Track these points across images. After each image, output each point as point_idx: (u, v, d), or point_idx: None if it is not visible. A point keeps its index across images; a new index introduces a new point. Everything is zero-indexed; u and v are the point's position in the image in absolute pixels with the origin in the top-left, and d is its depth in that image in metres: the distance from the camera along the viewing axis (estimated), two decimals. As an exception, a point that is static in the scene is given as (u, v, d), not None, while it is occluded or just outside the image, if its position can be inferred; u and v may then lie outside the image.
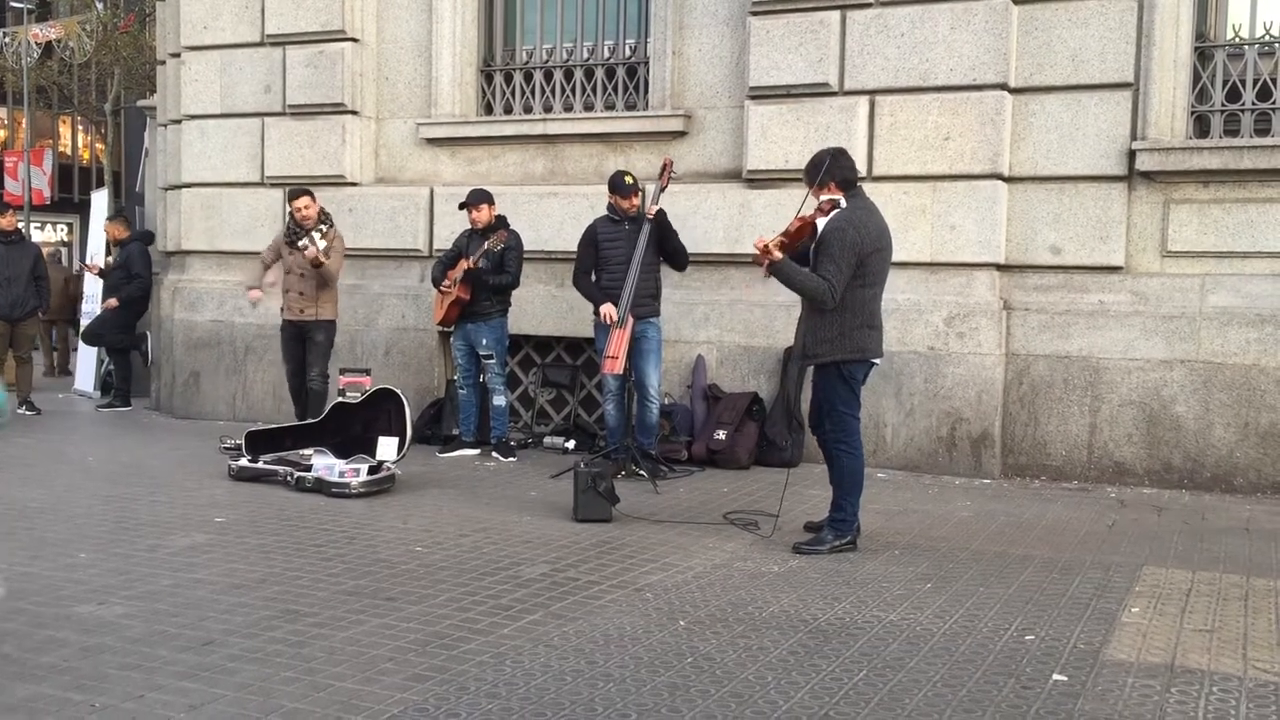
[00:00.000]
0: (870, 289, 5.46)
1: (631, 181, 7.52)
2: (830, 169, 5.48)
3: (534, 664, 3.91)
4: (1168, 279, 7.38)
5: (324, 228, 8.21)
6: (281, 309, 8.42)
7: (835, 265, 5.30)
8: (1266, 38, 7.30)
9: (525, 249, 8.26)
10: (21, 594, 4.64)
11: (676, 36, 8.58)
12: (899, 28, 7.71)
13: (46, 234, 32.44)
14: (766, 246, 5.33)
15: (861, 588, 4.92)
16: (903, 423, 7.74)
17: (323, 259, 8.04)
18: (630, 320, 7.32)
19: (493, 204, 8.12)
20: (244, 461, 7.27)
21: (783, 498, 6.11)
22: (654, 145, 8.58)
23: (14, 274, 10.47)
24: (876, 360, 5.62)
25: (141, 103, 14.32)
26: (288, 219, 8.39)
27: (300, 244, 8.07)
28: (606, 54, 9.07)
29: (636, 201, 7.52)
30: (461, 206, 8.15)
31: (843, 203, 5.43)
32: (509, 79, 9.41)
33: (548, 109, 9.21)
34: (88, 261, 12.58)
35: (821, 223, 5.41)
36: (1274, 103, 7.24)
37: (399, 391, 7.44)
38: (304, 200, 8.20)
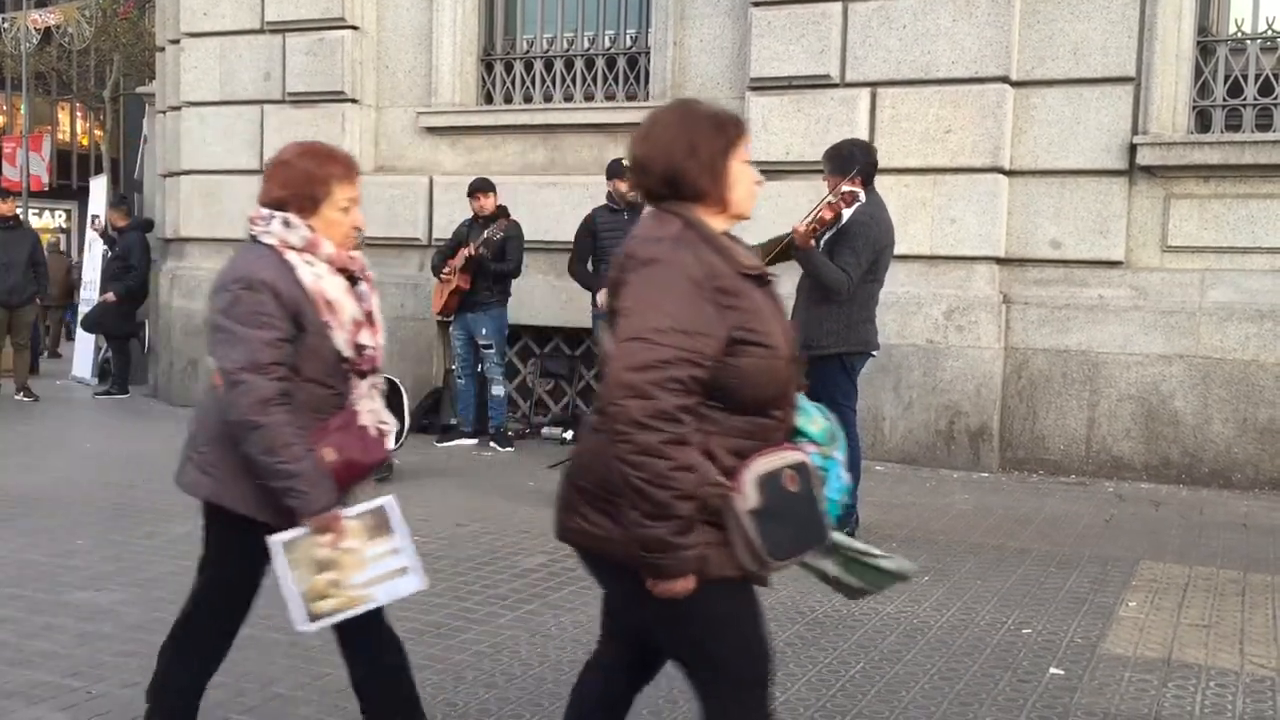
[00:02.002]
0: (876, 284, 5.55)
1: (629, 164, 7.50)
2: (860, 159, 5.50)
3: (531, 654, 3.92)
4: (1167, 274, 7.37)
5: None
6: None
7: (856, 258, 5.34)
8: (1269, 33, 7.28)
9: (525, 239, 8.26)
10: (19, 580, 4.64)
11: (678, 27, 8.56)
12: (901, 19, 7.69)
13: (45, 220, 32.39)
14: (809, 233, 5.33)
15: (859, 580, 4.92)
16: (901, 416, 7.73)
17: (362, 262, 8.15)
18: (629, 311, 7.30)
19: (496, 193, 8.15)
20: (242, 449, 7.25)
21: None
22: (654, 136, 8.54)
23: (12, 260, 10.44)
24: (875, 352, 5.67)
25: (141, 89, 14.30)
26: None
27: None
28: (607, 44, 9.05)
29: None
30: (469, 194, 8.14)
31: (862, 196, 5.43)
32: (509, 68, 9.39)
33: (548, 99, 9.19)
34: (97, 224, 12.37)
35: (846, 213, 5.41)
36: (1275, 98, 7.23)
37: (397, 380, 7.43)
38: None
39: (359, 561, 2.67)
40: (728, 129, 2.27)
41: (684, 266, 2.13)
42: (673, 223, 2.23)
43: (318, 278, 2.68)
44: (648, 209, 2.34)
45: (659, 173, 2.26)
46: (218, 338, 2.62)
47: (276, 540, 2.63)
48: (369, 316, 2.79)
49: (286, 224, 2.68)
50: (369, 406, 2.81)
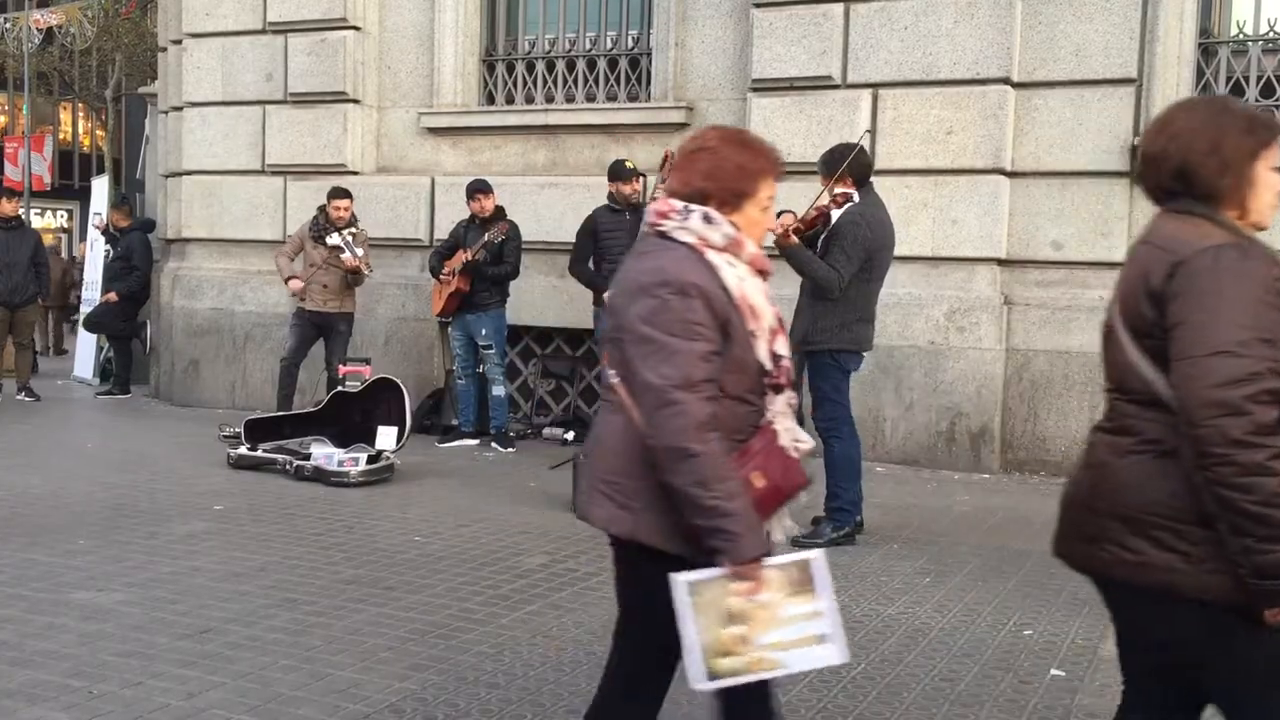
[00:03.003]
0: (873, 284, 5.58)
1: (631, 166, 7.53)
2: (852, 162, 5.56)
3: (533, 654, 3.92)
4: (1169, 275, 7.36)
5: (355, 229, 8.32)
6: (301, 298, 8.47)
7: (846, 257, 5.40)
8: (1270, 35, 7.29)
9: (526, 240, 8.27)
10: (20, 580, 4.64)
11: (679, 28, 8.56)
12: (902, 20, 7.69)
13: (46, 220, 32.41)
14: (786, 230, 5.42)
15: (860, 581, 4.92)
16: (902, 417, 7.73)
17: (364, 270, 8.22)
18: (631, 312, 7.30)
19: (494, 194, 8.17)
20: (243, 450, 7.27)
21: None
22: (656, 137, 8.56)
23: (14, 260, 10.44)
24: (866, 353, 5.73)
25: (143, 89, 14.31)
26: (317, 213, 8.42)
27: (331, 242, 8.24)
28: (609, 45, 9.05)
29: (637, 186, 7.53)
30: (468, 195, 8.14)
31: (856, 197, 5.49)
32: (511, 69, 9.39)
33: (549, 100, 9.19)
34: (100, 223, 12.36)
35: (835, 214, 5.47)
36: (1277, 99, 7.23)
37: (399, 381, 7.44)
38: (345, 202, 8.31)
39: (773, 619, 2.31)
40: (1258, 130, 2.12)
41: (1249, 272, 1.99)
42: (1204, 225, 2.08)
43: (740, 280, 2.35)
44: (1162, 212, 2.18)
45: (1171, 167, 2.12)
46: (642, 350, 2.28)
47: (682, 580, 2.29)
48: (780, 322, 2.45)
49: (708, 220, 2.35)
50: (785, 425, 2.46)
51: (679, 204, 2.38)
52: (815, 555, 2.35)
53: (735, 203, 2.38)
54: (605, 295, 7.19)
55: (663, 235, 2.38)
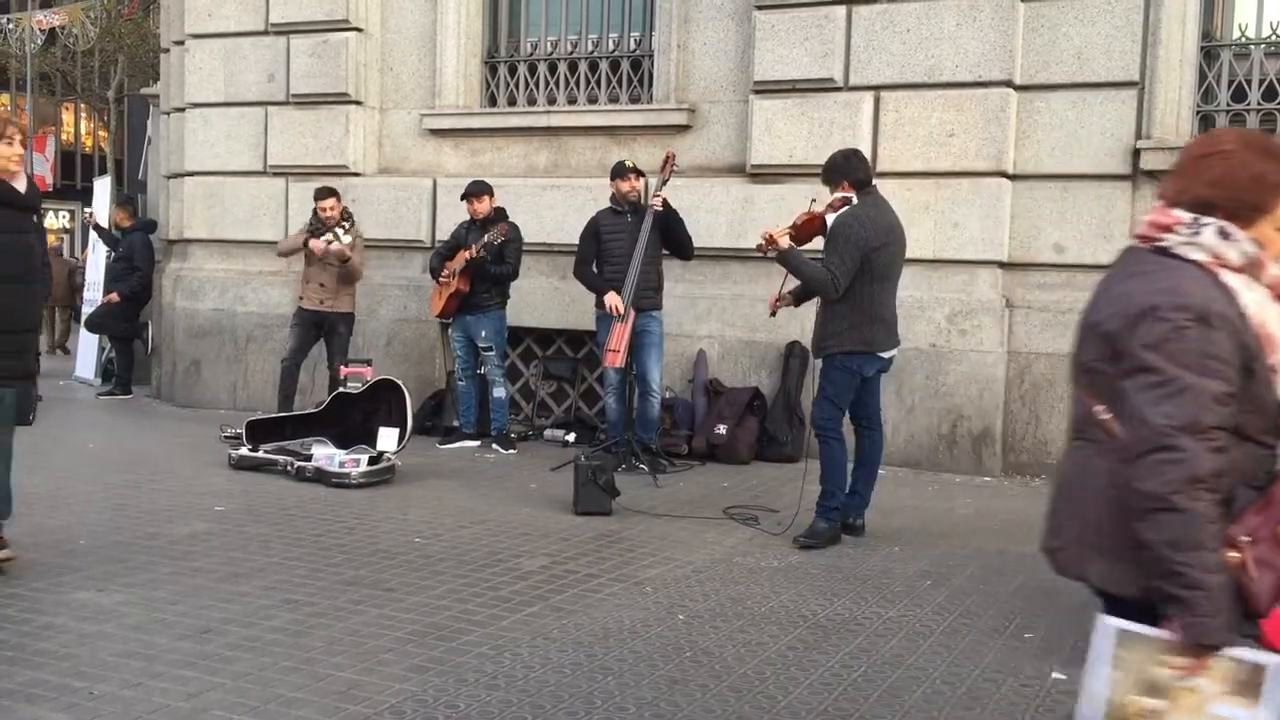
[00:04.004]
0: (876, 284, 5.52)
1: (631, 165, 7.54)
2: (842, 167, 5.64)
3: (533, 656, 3.91)
4: (1171, 278, 7.36)
5: (346, 224, 8.34)
6: (299, 297, 8.50)
7: (839, 258, 5.42)
8: (1273, 37, 7.28)
9: (528, 241, 8.27)
10: (20, 580, 4.64)
11: (681, 30, 8.56)
12: (904, 23, 7.69)
13: (49, 221, 32.42)
14: (772, 236, 5.53)
15: (861, 584, 4.92)
16: (904, 419, 7.72)
17: (348, 252, 8.23)
18: (632, 314, 7.31)
19: (492, 196, 8.16)
20: (244, 450, 7.27)
21: (801, 493, 6.03)
22: (657, 138, 8.56)
23: (15, 260, 10.41)
24: (884, 354, 5.65)
25: (145, 90, 14.32)
26: (312, 216, 8.45)
27: (324, 238, 8.24)
28: (611, 47, 9.05)
29: (637, 184, 7.53)
30: (463, 197, 8.15)
31: (855, 200, 5.54)
32: (513, 71, 9.39)
33: (551, 101, 9.20)
34: (90, 218, 12.36)
35: (831, 218, 5.54)
36: (1279, 102, 7.22)
37: (400, 382, 7.44)
38: (330, 201, 8.34)
39: (1198, 709, 2.05)
40: None
41: None
42: None
43: (1260, 307, 2.07)
44: None
45: None
46: (1142, 380, 2.03)
47: (1114, 625, 2.11)
48: None
49: (1224, 235, 2.07)
50: None
51: (1186, 215, 2.10)
52: (1275, 662, 2.02)
53: (1247, 217, 2.08)
54: (608, 298, 7.28)
55: (1164, 252, 2.12)
